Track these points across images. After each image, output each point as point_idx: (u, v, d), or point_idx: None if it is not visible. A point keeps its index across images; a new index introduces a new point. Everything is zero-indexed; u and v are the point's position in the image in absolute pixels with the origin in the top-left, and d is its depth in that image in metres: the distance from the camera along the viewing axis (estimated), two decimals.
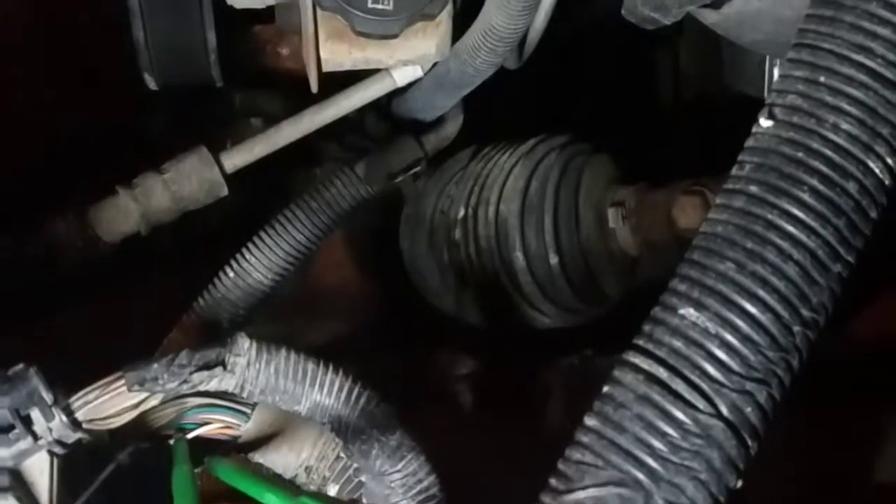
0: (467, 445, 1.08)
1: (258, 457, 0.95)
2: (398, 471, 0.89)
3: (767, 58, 1.11)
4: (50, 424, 0.78)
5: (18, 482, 0.77)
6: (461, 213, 1.33)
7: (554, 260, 1.27)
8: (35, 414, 0.78)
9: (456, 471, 0.92)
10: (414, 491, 0.90)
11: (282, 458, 0.95)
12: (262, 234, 1.18)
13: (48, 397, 0.78)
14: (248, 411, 0.93)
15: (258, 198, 1.32)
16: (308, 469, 0.95)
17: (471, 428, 1.20)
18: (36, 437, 0.78)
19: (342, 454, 0.93)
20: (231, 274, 1.16)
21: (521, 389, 1.24)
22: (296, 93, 1.28)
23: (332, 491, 0.93)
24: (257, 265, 1.17)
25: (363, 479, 0.92)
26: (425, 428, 0.92)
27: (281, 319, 1.28)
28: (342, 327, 1.37)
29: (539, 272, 1.27)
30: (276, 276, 1.18)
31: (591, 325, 1.35)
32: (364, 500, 0.91)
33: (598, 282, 1.30)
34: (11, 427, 0.77)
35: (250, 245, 1.18)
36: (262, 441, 0.94)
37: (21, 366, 0.78)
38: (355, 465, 0.92)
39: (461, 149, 1.39)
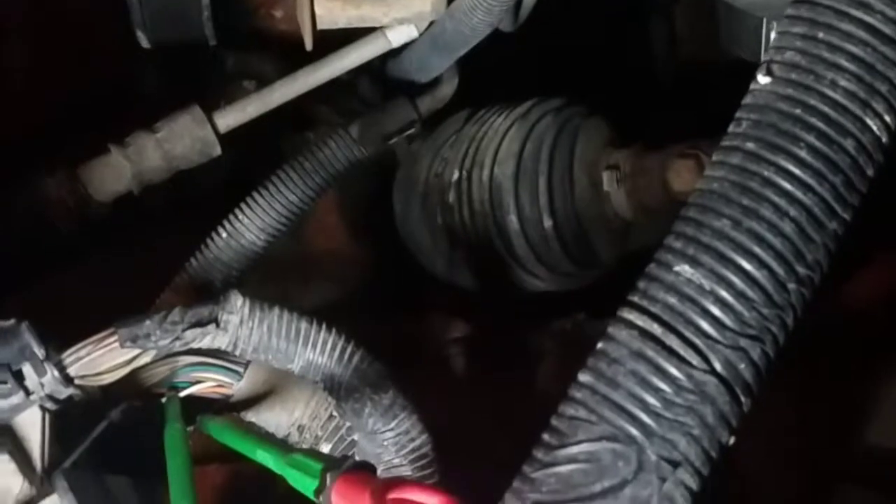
0: (460, 407, 1.09)
1: (251, 416, 0.94)
2: (391, 429, 0.89)
3: (764, 20, 1.10)
4: (42, 380, 0.78)
5: (10, 437, 0.77)
6: (455, 175, 1.32)
7: (548, 223, 1.26)
8: (27, 369, 0.77)
9: (448, 431, 0.93)
10: (406, 450, 0.90)
11: (274, 417, 0.95)
12: (256, 195, 1.18)
13: (40, 352, 0.78)
14: (241, 370, 0.93)
15: (251, 160, 1.32)
16: (300, 428, 0.95)
17: (463, 390, 1.21)
18: (28, 392, 0.78)
19: (335, 413, 0.93)
20: (224, 234, 1.16)
21: (514, 353, 1.24)
22: (289, 56, 1.27)
23: (325, 449, 0.93)
24: (250, 226, 1.16)
25: (356, 437, 0.92)
26: (418, 389, 0.92)
27: (273, 282, 1.28)
28: (334, 290, 1.37)
29: (533, 235, 1.27)
30: (269, 236, 1.17)
31: (584, 290, 1.35)
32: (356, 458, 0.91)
33: (591, 245, 1.30)
34: (3, 382, 0.77)
35: (243, 206, 1.17)
36: (254, 400, 0.94)
37: (12, 321, 0.78)
38: (348, 423, 0.92)
39: (456, 111, 1.39)
